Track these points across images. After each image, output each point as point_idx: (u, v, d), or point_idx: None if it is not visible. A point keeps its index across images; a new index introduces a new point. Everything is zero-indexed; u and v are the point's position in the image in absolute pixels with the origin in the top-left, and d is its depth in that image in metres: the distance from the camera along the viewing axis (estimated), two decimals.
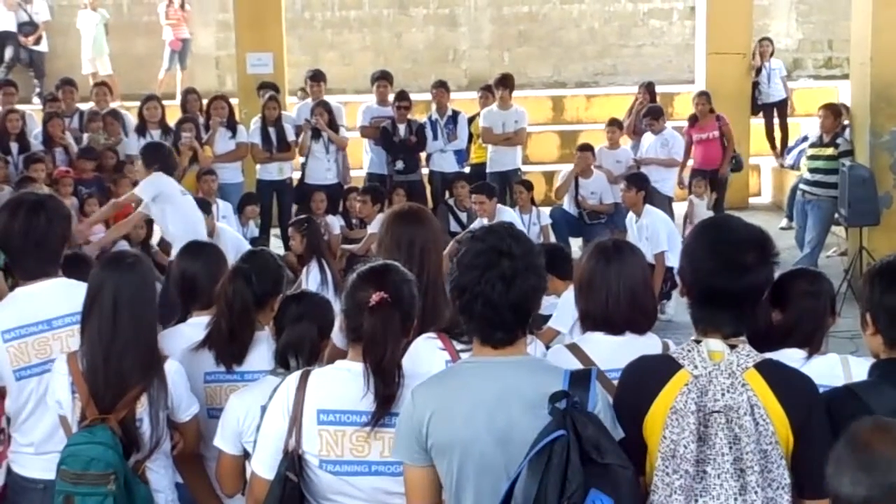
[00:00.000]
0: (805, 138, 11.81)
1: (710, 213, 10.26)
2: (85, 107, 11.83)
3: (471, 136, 11.82)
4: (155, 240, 9.68)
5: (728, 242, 2.64)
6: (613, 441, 2.51)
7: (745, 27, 13.76)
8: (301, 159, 11.57)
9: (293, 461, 2.91)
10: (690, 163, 11.79)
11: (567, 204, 11.17)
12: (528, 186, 10.83)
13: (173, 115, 11.51)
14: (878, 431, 2.21)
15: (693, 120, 11.92)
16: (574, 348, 3.40)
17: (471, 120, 11.82)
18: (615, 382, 2.86)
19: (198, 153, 10.68)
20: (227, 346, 3.67)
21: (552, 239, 10.40)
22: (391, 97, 11.66)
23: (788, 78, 15.04)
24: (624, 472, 2.46)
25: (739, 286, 2.61)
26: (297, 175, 11.54)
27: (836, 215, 10.07)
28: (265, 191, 11.27)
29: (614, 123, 11.76)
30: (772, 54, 14.25)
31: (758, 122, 14.20)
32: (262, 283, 3.71)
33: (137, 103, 11.54)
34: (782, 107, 14.30)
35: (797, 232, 10.80)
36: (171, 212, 7.84)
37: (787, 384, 2.58)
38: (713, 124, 11.73)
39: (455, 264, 2.74)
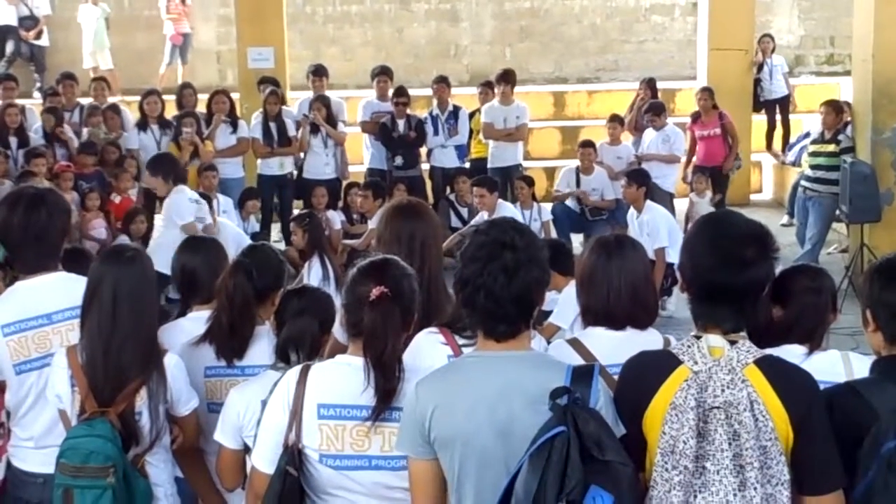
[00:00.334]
0: (807, 135, 11.80)
1: (712, 210, 10.25)
2: (86, 101, 11.83)
3: (471, 131, 11.81)
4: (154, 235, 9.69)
5: (728, 237, 2.64)
6: (615, 438, 2.50)
7: (748, 23, 13.73)
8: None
9: (293, 455, 2.91)
10: (694, 160, 11.78)
11: (569, 200, 11.17)
12: (530, 182, 10.82)
13: (173, 111, 11.50)
14: None
15: (696, 116, 11.91)
16: (575, 343, 3.40)
17: (471, 115, 11.81)
18: (616, 378, 2.86)
19: (199, 148, 10.68)
20: (228, 341, 3.67)
21: (553, 235, 10.40)
22: (391, 92, 11.66)
23: (790, 74, 15.02)
24: (624, 469, 2.45)
25: (740, 281, 2.61)
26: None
27: (838, 212, 10.06)
28: (266, 186, 11.27)
29: (615, 119, 11.76)
30: (773, 51, 14.23)
31: (759, 119, 14.19)
32: (263, 278, 3.71)
33: (138, 98, 11.53)
34: (784, 103, 14.29)
35: (798, 229, 10.80)
36: (171, 228, 8.10)
37: (787, 380, 2.58)
38: (715, 121, 11.72)
39: (458, 257, 2.74)
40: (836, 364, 3.36)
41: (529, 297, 2.70)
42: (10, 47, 15.83)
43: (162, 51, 15.88)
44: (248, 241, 7.79)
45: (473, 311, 2.71)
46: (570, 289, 5.04)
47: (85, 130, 11.27)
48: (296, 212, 10.47)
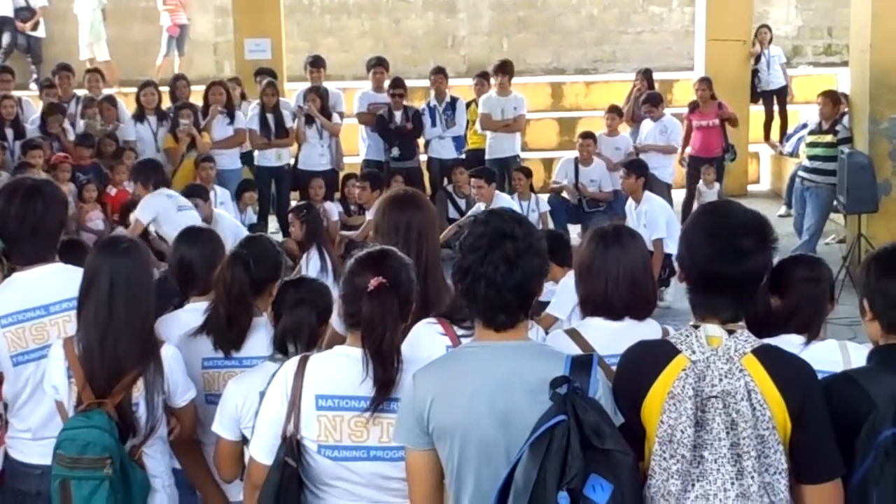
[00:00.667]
0: (804, 125, 11.80)
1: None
2: (82, 93, 11.81)
3: (467, 122, 11.80)
4: (151, 226, 9.66)
5: (726, 227, 2.64)
6: (614, 427, 2.50)
7: (745, 14, 13.73)
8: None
9: (292, 446, 2.91)
10: (688, 150, 11.76)
11: (564, 192, 11.17)
12: (527, 173, 10.82)
13: (169, 102, 11.48)
14: None
15: (693, 106, 11.90)
16: (573, 334, 3.40)
17: (467, 106, 11.80)
18: (614, 368, 2.86)
19: (196, 139, 10.66)
20: (226, 332, 3.67)
21: (551, 226, 10.39)
22: (387, 84, 11.64)
23: (788, 65, 15.02)
24: (624, 458, 2.46)
25: (738, 271, 2.61)
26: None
27: (835, 202, 10.07)
28: (263, 177, 11.26)
29: (614, 110, 11.75)
30: (771, 41, 14.22)
31: (757, 110, 14.18)
32: (261, 269, 3.71)
33: (135, 89, 11.51)
34: (782, 94, 14.29)
35: (796, 219, 10.80)
36: (169, 229, 8.12)
37: (784, 369, 2.58)
38: (713, 111, 11.71)
39: (457, 247, 2.74)
40: (833, 353, 3.36)
41: (529, 286, 2.70)
42: (6, 39, 15.77)
43: (159, 42, 15.83)
44: (245, 233, 7.79)
45: (473, 300, 2.71)
46: (568, 280, 5.04)
47: (81, 122, 11.25)
48: (293, 203, 10.46)
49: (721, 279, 2.62)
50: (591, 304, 3.43)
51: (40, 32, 16.01)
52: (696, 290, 2.69)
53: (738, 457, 2.49)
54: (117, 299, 3.43)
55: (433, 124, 11.60)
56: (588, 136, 11.30)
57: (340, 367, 2.94)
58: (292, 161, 11.46)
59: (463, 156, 11.71)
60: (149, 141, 10.88)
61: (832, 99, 10.31)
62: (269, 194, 11.32)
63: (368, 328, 2.88)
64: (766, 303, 3.34)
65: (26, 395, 3.70)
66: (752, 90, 13.89)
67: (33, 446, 3.67)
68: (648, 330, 3.36)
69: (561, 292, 5.93)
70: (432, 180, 11.72)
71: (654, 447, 2.55)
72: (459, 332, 3.25)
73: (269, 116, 11.18)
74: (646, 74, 12.59)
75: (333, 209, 10.72)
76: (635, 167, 9.50)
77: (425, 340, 3.28)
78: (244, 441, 3.39)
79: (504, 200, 9.76)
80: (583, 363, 2.62)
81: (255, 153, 11.34)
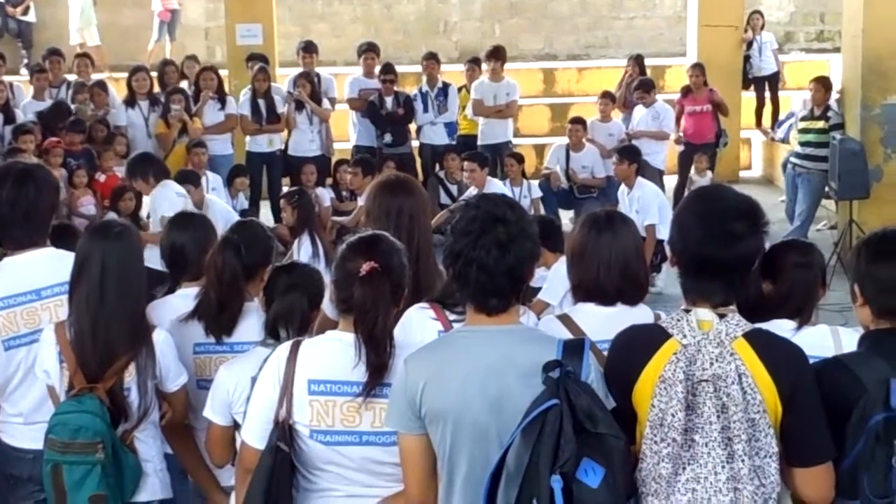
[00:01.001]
0: (792, 114, 11.80)
1: None
2: (73, 77, 11.76)
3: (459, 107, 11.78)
4: (144, 212, 9.64)
5: (718, 211, 2.64)
6: (607, 411, 2.51)
7: (737, 0, 13.71)
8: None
9: (284, 431, 2.91)
10: (680, 133, 11.76)
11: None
12: (519, 159, 10.80)
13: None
14: None
15: (685, 91, 11.89)
16: (565, 319, 3.40)
17: (458, 91, 11.77)
18: (605, 353, 2.86)
19: (187, 125, 10.63)
20: (217, 317, 3.66)
21: (543, 212, 10.39)
22: (378, 69, 11.60)
23: (780, 51, 15.01)
24: (617, 442, 2.46)
25: (729, 255, 2.61)
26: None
27: (827, 188, 10.08)
28: (255, 163, 11.23)
29: (607, 96, 11.73)
30: (763, 27, 14.21)
31: (749, 96, 14.17)
32: (252, 254, 3.70)
33: (126, 74, 11.46)
34: (774, 80, 14.28)
35: (787, 205, 10.83)
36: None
37: (775, 353, 2.59)
38: (706, 97, 11.70)
39: (449, 231, 2.74)
40: (825, 338, 3.37)
41: (521, 270, 2.70)
42: None
43: (150, 27, 15.78)
44: (236, 218, 7.77)
45: (465, 284, 2.71)
46: (560, 265, 5.04)
47: (72, 107, 11.20)
48: (285, 189, 10.44)
49: (713, 263, 2.62)
50: (583, 290, 3.43)
51: (31, 17, 15.95)
52: (687, 273, 2.69)
53: (728, 440, 2.50)
54: (109, 284, 3.42)
55: (425, 110, 11.57)
56: (577, 121, 11.28)
57: (333, 351, 2.93)
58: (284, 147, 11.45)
59: (455, 142, 11.70)
60: (140, 126, 10.84)
61: (824, 85, 10.32)
62: (260, 180, 11.30)
63: (361, 313, 2.87)
64: (758, 288, 3.34)
65: (18, 379, 3.69)
66: (744, 76, 13.88)
67: (25, 431, 3.68)
68: (640, 315, 3.35)
69: (552, 278, 5.93)
70: (424, 166, 11.70)
71: (646, 431, 2.56)
72: (451, 316, 3.25)
73: (261, 102, 11.14)
74: (637, 60, 12.57)
75: (325, 195, 10.70)
76: (628, 153, 9.50)
77: (417, 325, 3.27)
78: (235, 426, 3.39)
79: (496, 186, 9.75)
80: (575, 347, 2.62)
81: (247, 139, 11.31)
